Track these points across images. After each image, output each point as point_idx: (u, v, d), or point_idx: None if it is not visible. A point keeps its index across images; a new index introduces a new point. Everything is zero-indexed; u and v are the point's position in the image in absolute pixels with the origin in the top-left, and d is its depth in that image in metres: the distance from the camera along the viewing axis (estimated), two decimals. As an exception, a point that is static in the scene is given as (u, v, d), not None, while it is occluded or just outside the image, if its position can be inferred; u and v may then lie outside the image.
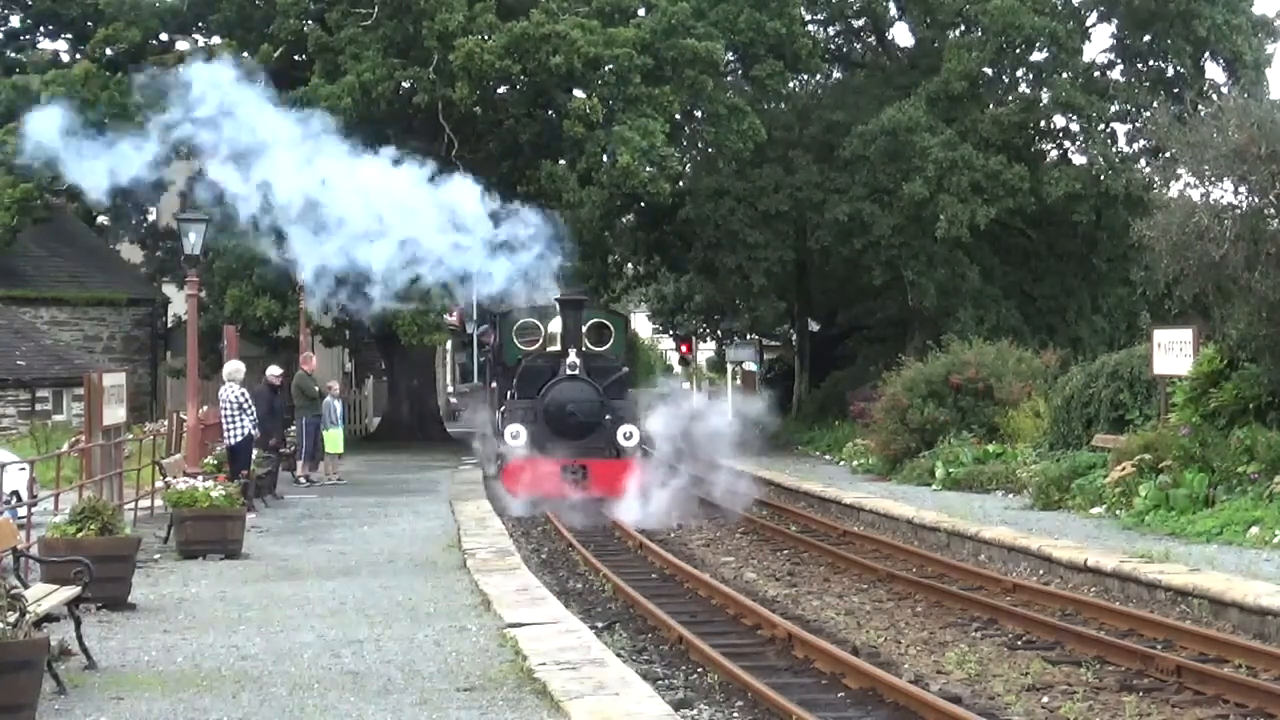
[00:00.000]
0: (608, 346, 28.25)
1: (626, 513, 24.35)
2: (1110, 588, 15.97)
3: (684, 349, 69.21)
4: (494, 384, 30.60)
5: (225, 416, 22.19)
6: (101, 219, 43.51)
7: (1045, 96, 40.82)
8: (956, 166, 37.68)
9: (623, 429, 26.12)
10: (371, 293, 26.06)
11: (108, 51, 37.54)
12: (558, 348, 26.91)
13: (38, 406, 35.08)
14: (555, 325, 27.37)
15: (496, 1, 36.05)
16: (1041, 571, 17.47)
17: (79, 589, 11.61)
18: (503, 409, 27.69)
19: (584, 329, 27.21)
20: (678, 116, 38.59)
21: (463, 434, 36.66)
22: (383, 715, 9.75)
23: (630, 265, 51.91)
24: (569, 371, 26.30)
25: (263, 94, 24.53)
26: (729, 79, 41.38)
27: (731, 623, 15.11)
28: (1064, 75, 39.95)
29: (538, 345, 28.29)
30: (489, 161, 37.29)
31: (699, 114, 39.67)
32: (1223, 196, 20.61)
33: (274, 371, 26.98)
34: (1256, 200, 20.19)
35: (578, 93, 36.98)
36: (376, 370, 50.15)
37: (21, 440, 29.72)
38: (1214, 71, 41.14)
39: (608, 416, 26.23)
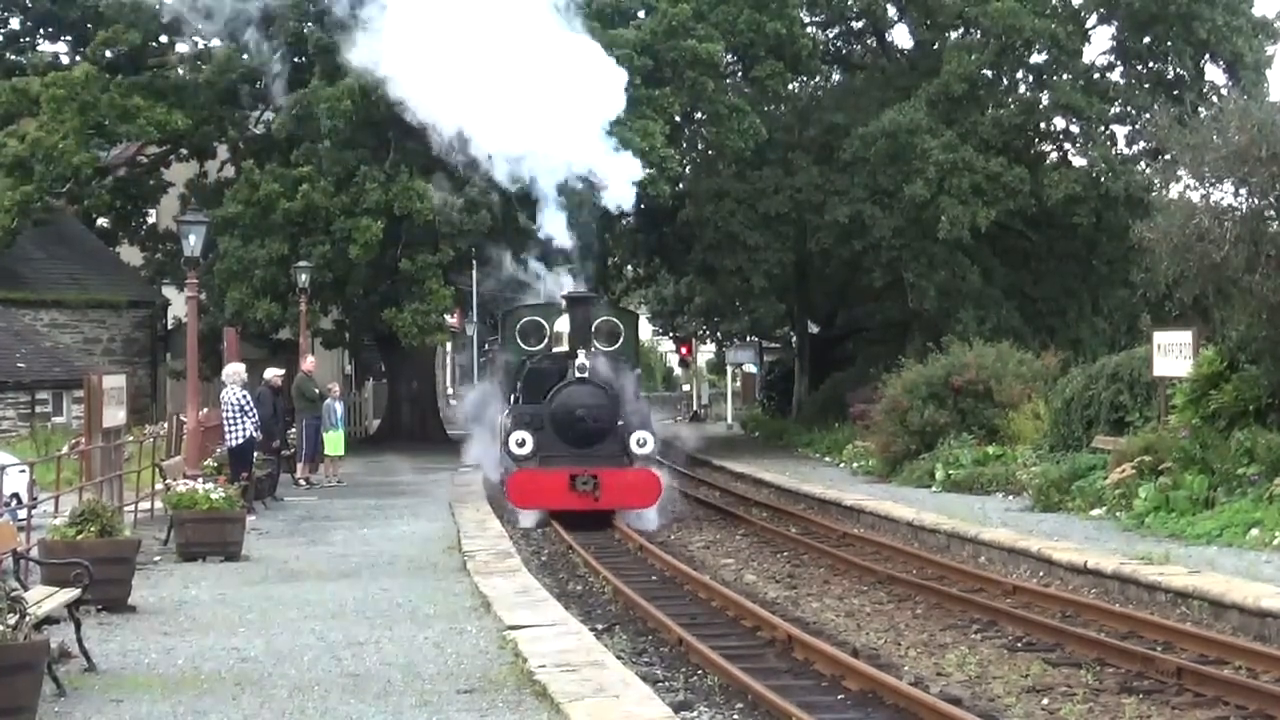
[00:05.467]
0: (618, 346, 26.58)
1: (633, 519, 23.52)
2: (1110, 590, 15.95)
3: (684, 351, 69.24)
4: (497, 386, 29.64)
5: (226, 418, 22.21)
6: (102, 221, 43.48)
7: (1045, 98, 40.79)
8: (957, 168, 37.64)
9: (636, 435, 24.18)
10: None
11: (107, 54, 37.54)
12: (565, 348, 25.42)
13: (38, 409, 35.07)
14: (562, 324, 25.99)
15: (497, 4, 36.03)
16: (1041, 573, 17.45)
17: (79, 591, 11.63)
18: (507, 414, 25.94)
19: (593, 328, 25.59)
20: (678, 118, 38.54)
21: (462, 436, 36.52)
22: (383, 717, 9.76)
23: (630, 267, 51.88)
24: (578, 374, 24.52)
25: None
26: (729, 80, 41.34)
27: (732, 625, 15.09)
28: (1064, 77, 39.92)
29: (544, 345, 26.88)
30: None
31: (699, 115, 39.62)
32: (1223, 198, 20.63)
33: (274, 373, 26.95)
34: (1257, 202, 20.19)
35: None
36: (376, 372, 50.15)
37: (21, 442, 29.73)
38: (1214, 73, 41.16)
39: (620, 422, 24.47)
